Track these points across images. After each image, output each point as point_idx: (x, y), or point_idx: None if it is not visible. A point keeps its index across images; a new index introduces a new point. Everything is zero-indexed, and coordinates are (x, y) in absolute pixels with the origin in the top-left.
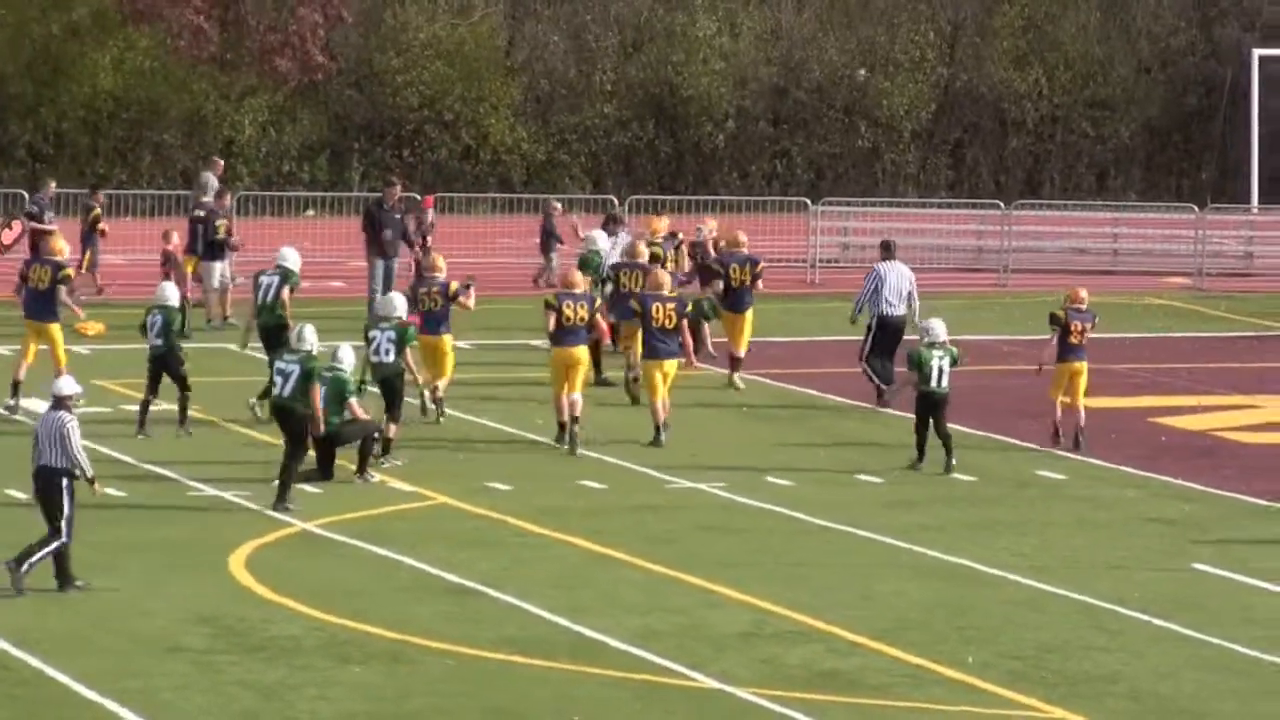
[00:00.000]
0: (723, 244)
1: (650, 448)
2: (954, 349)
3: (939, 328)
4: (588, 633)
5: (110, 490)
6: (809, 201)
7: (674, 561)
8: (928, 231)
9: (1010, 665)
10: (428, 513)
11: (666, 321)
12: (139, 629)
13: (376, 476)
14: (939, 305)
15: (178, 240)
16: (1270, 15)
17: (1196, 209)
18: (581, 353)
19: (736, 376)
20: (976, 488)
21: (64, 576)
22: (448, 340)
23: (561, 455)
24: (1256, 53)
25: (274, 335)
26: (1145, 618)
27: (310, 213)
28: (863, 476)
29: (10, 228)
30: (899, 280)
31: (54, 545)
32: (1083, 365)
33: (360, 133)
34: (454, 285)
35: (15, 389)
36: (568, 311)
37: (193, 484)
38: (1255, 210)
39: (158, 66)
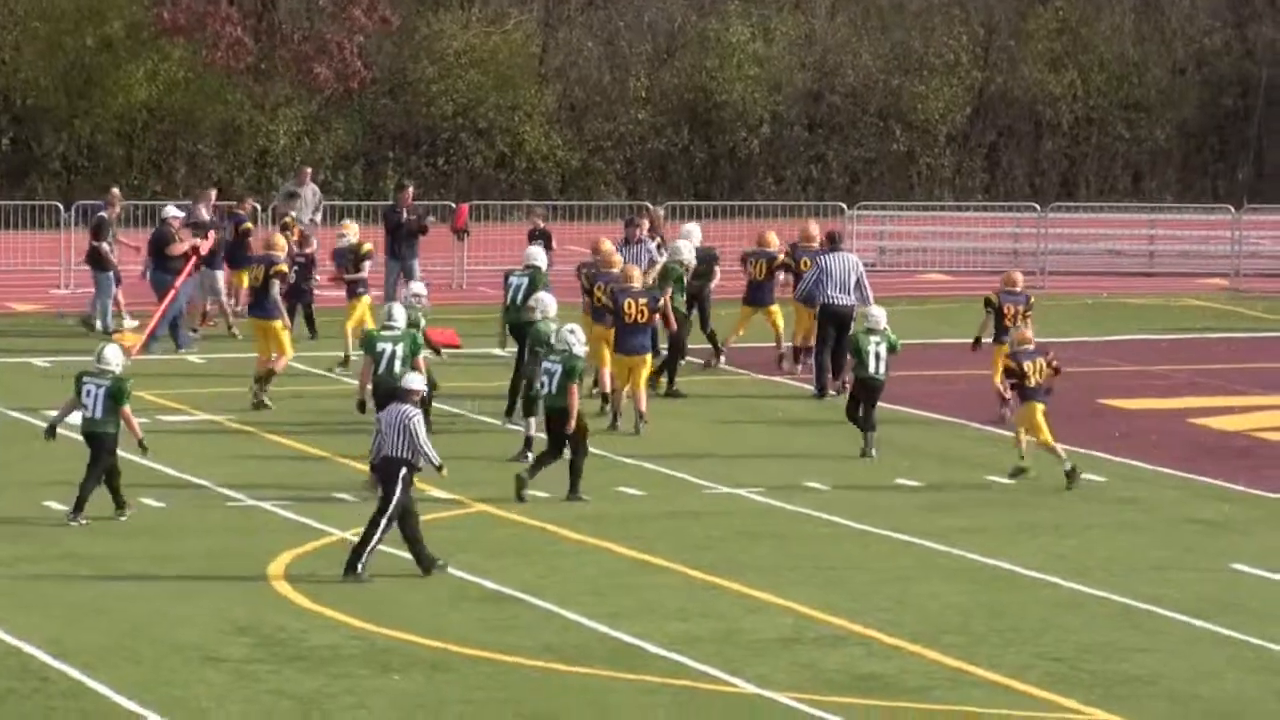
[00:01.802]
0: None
1: (632, 437)
2: (892, 335)
3: (878, 314)
4: (626, 639)
5: (148, 501)
6: (844, 206)
7: (712, 567)
8: (964, 235)
9: (1049, 667)
10: (465, 520)
11: (639, 317)
12: (177, 639)
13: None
14: (977, 309)
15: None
16: None
17: (1233, 210)
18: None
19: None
20: (1014, 490)
21: (422, 561)
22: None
23: (600, 460)
24: None
25: (522, 333)
26: (1184, 618)
27: (347, 222)
28: (900, 480)
29: (206, 237)
30: (844, 271)
31: (379, 534)
32: None
33: (395, 142)
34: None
35: (262, 382)
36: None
37: (230, 494)
38: None
39: (191, 77)
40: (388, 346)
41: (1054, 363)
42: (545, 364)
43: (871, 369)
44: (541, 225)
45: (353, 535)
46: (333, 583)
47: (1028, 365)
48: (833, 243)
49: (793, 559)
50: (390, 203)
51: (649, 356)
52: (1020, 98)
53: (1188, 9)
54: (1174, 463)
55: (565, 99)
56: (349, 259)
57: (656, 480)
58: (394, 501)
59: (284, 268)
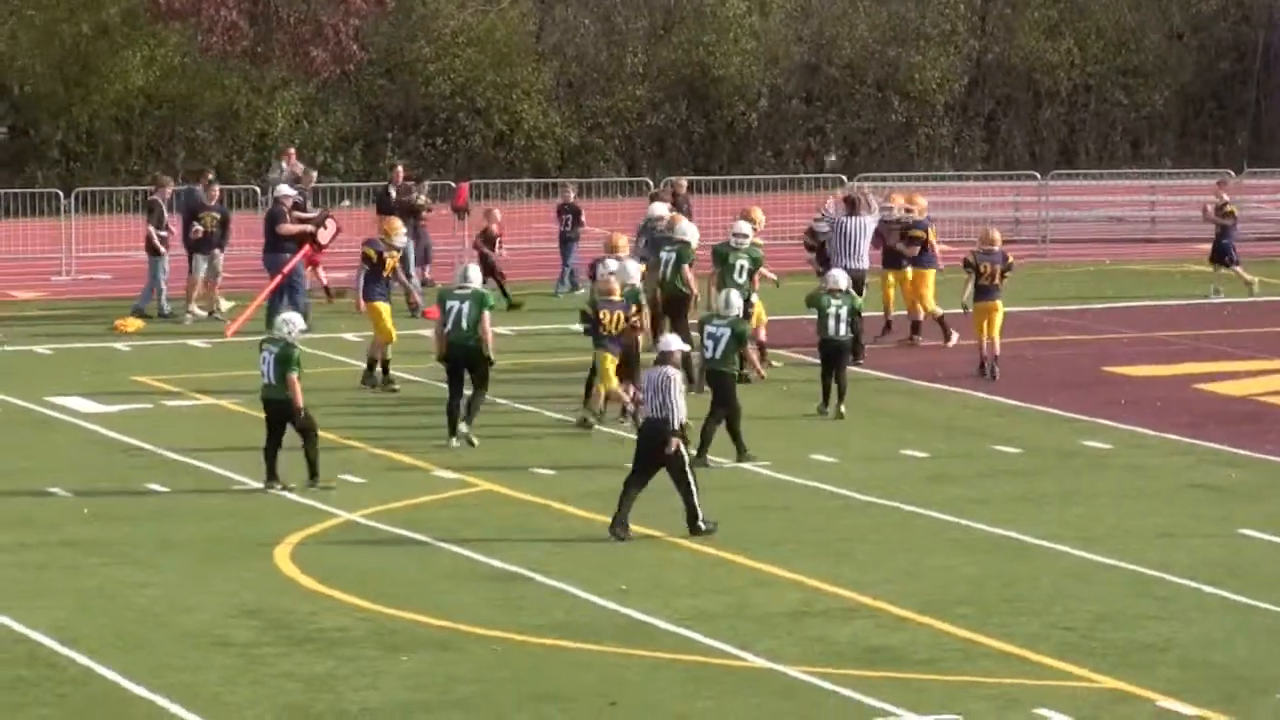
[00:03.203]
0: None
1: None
2: (855, 298)
3: (840, 277)
4: (635, 615)
5: (154, 485)
6: (844, 178)
7: (720, 542)
8: (964, 205)
9: (1061, 636)
10: (472, 499)
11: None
12: (185, 624)
13: (476, 442)
14: None
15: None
16: None
17: (1233, 174)
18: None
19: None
20: (1021, 459)
21: (623, 515)
22: None
23: (605, 437)
24: None
25: (675, 306)
26: (1194, 585)
27: (346, 204)
28: (907, 451)
29: (325, 226)
30: (858, 235)
31: (694, 488)
32: (997, 304)
33: (393, 123)
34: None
35: (384, 368)
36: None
37: (236, 477)
38: None
39: (188, 62)
40: (455, 304)
41: (633, 320)
42: (709, 328)
43: (831, 330)
44: (572, 200)
45: (360, 517)
46: (341, 565)
47: (603, 314)
48: (851, 207)
49: (801, 532)
50: (383, 183)
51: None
52: (1018, 66)
53: None
54: (1179, 429)
55: (562, 76)
56: None
57: None
58: (684, 457)
59: (370, 252)
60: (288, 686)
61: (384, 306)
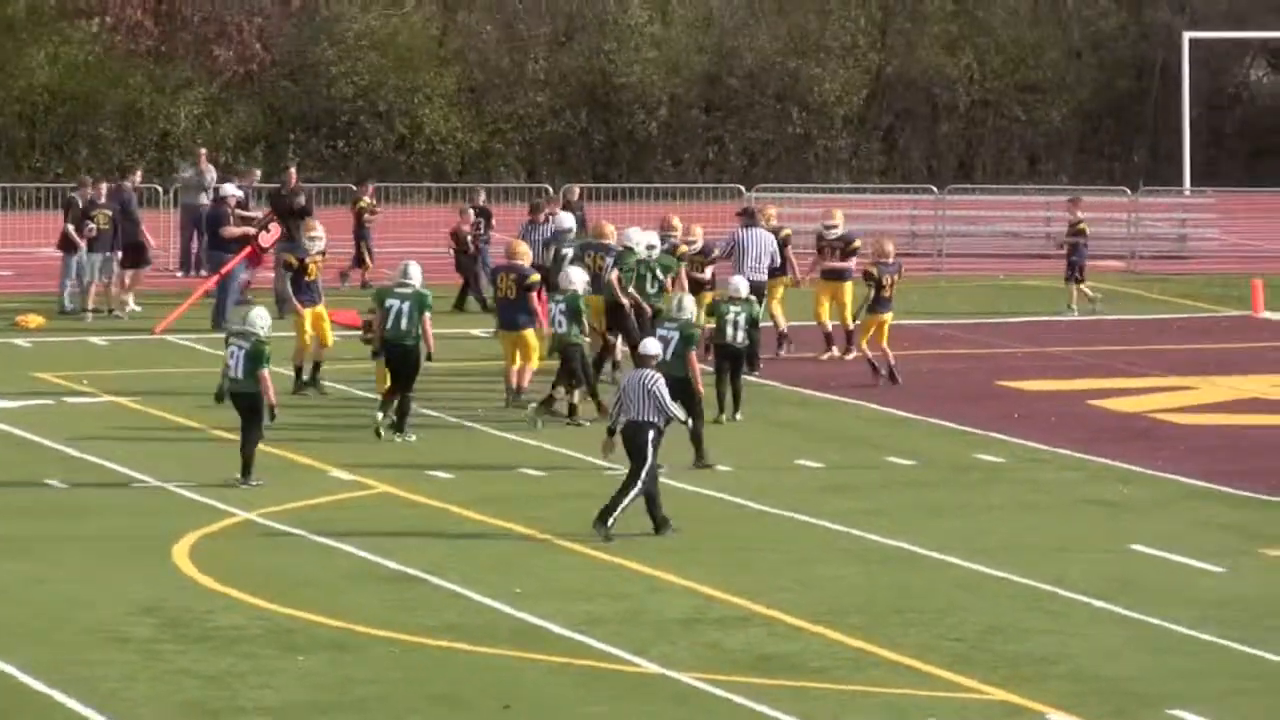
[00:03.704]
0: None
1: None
2: (754, 306)
3: (739, 284)
4: (530, 619)
5: (54, 481)
6: (743, 189)
7: (615, 548)
8: (861, 217)
9: (951, 647)
10: (369, 501)
11: (509, 292)
12: (84, 620)
13: (413, 437)
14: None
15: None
16: None
17: (1129, 192)
18: (529, 335)
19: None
20: (916, 471)
21: (657, 520)
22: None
23: (502, 442)
24: (1187, 35)
25: (611, 313)
26: (1085, 599)
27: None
28: (802, 461)
29: (268, 230)
30: (759, 246)
31: (632, 494)
32: (889, 316)
33: (295, 124)
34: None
35: (297, 373)
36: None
37: (135, 475)
38: (1188, 193)
39: (93, 60)
40: (395, 303)
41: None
42: (660, 331)
43: (729, 336)
44: (481, 203)
45: (258, 516)
46: (239, 564)
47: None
48: (749, 218)
49: (696, 540)
50: (276, 185)
51: (530, 333)
52: (917, 80)
53: None
54: (1073, 444)
55: (465, 81)
56: None
57: (558, 461)
58: (648, 464)
59: (291, 259)
60: (185, 684)
61: (307, 312)
